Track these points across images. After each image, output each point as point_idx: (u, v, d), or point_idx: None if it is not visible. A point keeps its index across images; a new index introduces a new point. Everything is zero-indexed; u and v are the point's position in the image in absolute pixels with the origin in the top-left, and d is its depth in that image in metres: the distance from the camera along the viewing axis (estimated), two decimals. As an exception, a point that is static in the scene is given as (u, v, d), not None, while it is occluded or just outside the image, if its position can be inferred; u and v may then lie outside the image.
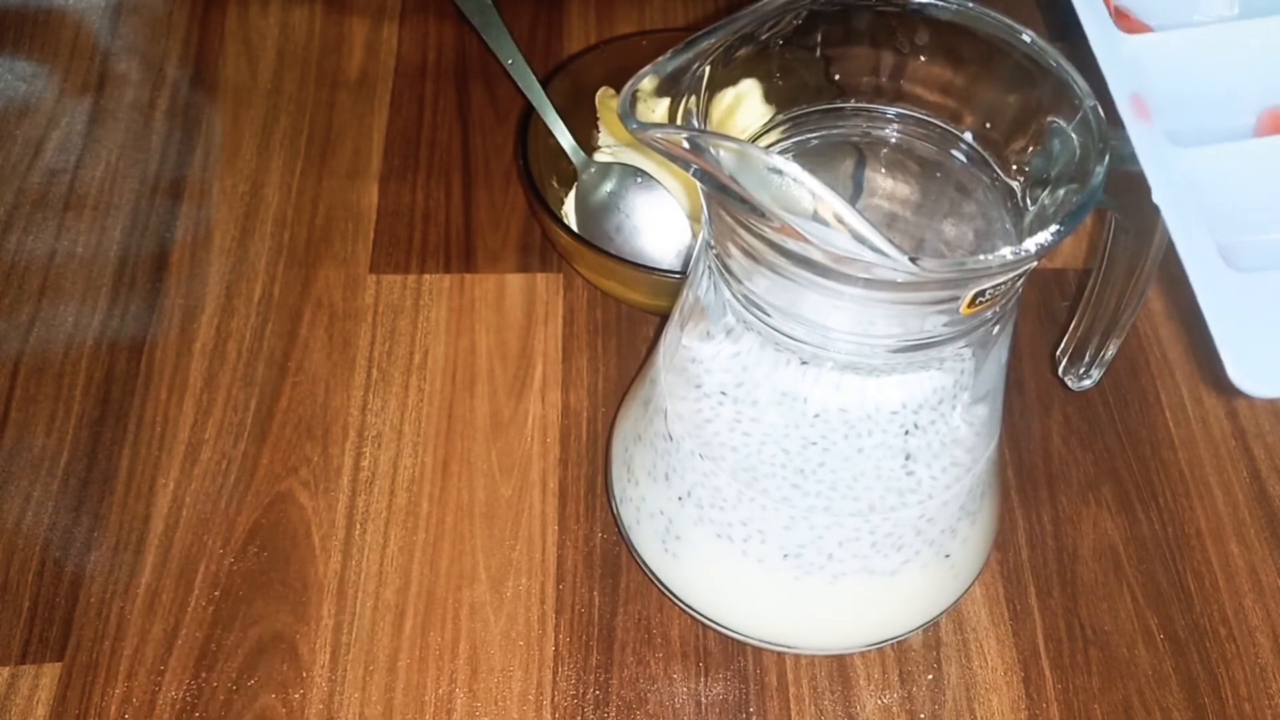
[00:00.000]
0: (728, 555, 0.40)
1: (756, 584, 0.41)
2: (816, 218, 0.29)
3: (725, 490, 0.39)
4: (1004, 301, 0.34)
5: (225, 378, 0.51)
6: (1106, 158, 0.31)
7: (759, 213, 0.30)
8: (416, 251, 0.55)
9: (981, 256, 0.30)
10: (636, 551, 0.44)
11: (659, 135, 0.31)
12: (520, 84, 0.54)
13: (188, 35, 0.64)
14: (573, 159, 0.54)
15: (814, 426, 0.37)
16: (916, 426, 0.37)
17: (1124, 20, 0.30)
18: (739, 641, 0.44)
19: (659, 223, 0.52)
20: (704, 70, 0.33)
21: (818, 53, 0.36)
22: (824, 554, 0.39)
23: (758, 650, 0.44)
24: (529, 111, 0.53)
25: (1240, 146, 0.28)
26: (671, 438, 0.40)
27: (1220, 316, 0.24)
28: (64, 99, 0.60)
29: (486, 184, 0.58)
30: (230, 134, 0.59)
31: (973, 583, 0.44)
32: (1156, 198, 0.27)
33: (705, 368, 0.38)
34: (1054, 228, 0.30)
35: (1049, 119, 0.34)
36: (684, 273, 0.41)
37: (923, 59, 0.36)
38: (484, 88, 0.62)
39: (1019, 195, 0.35)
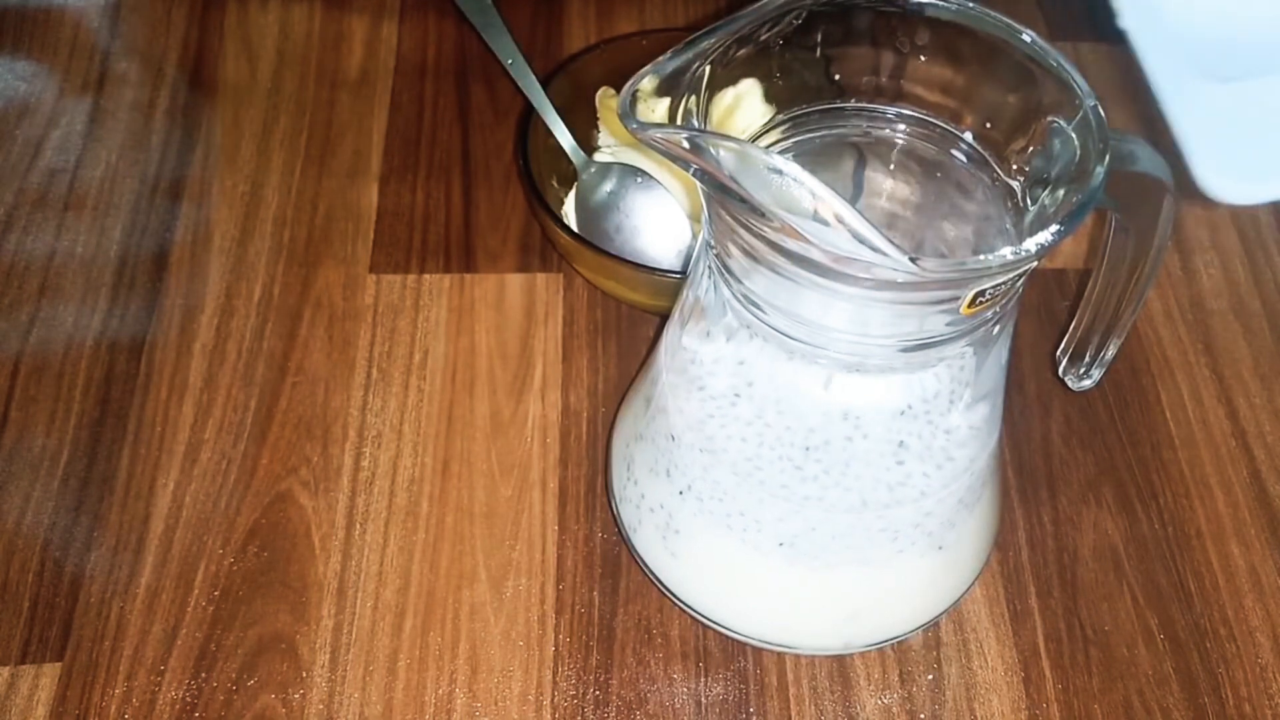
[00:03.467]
0: (725, 544, 0.40)
1: (752, 573, 0.41)
2: (816, 218, 0.29)
3: (724, 483, 0.39)
4: (1004, 301, 0.34)
5: (225, 378, 0.51)
6: (1106, 158, 0.31)
7: (759, 213, 0.30)
8: (416, 251, 0.55)
9: (981, 256, 0.30)
10: (636, 551, 0.44)
11: (659, 135, 0.31)
12: (520, 84, 0.54)
13: (187, 35, 0.64)
14: (573, 159, 0.54)
15: (814, 426, 0.37)
16: (916, 426, 0.37)
17: None
18: (739, 642, 0.44)
19: (659, 223, 0.52)
20: (704, 70, 0.33)
21: (818, 53, 0.36)
22: (818, 545, 0.39)
23: (758, 651, 0.44)
24: (529, 111, 0.53)
25: None
26: (673, 437, 0.40)
27: (1187, 124, 0.24)
28: (64, 99, 0.61)
29: (486, 184, 0.58)
30: (230, 134, 0.59)
31: (973, 582, 0.44)
32: (1122, 23, 0.26)
33: (705, 368, 0.38)
34: (1054, 228, 0.30)
35: (1049, 119, 0.34)
36: (684, 273, 0.41)
37: (923, 59, 0.36)
38: (484, 87, 0.62)
39: (1019, 195, 0.35)
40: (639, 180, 0.52)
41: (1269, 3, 0.27)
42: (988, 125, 0.36)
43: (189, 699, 0.42)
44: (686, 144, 0.31)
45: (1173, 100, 0.25)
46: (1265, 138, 0.24)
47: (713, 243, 0.35)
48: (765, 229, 0.31)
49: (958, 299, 0.32)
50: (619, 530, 0.45)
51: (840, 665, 0.44)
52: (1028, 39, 0.34)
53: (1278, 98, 0.25)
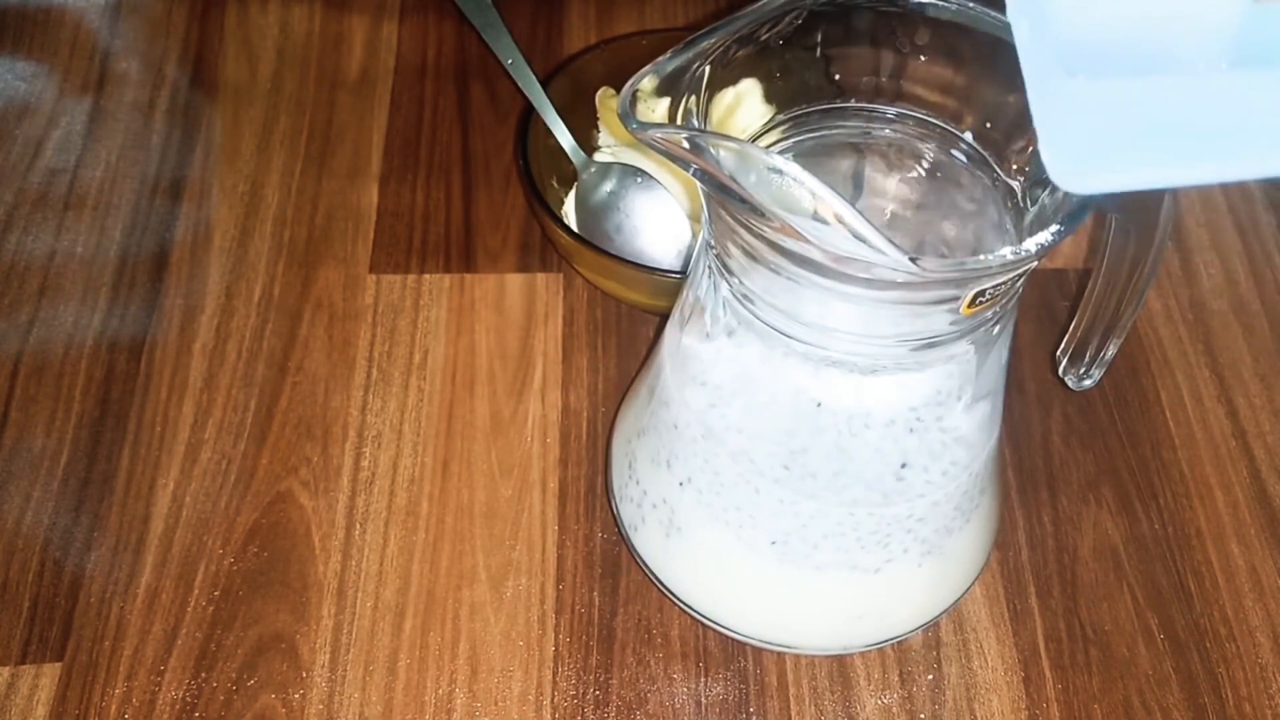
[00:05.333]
0: (723, 542, 0.40)
1: (750, 573, 0.41)
2: (816, 217, 0.29)
3: (723, 474, 0.39)
4: (1004, 301, 0.34)
5: (225, 378, 0.51)
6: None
7: (759, 213, 0.30)
8: (416, 251, 0.55)
9: (981, 256, 0.30)
10: (636, 551, 0.44)
11: (659, 135, 0.31)
12: (520, 84, 0.54)
13: (187, 35, 0.64)
14: (573, 159, 0.54)
15: (813, 425, 0.37)
16: (918, 424, 0.37)
17: None
18: (739, 641, 0.44)
19: (659, 223, 0.52)
20: (704, 70, 0.33)
21: (818, 53, 0.36)
22: (809, 545, 0.39)
23: (758, 650, 0.44)
24: (529, 111, 0.53)
25: None
26: (675, 425, 0.40)
27: (1047, 117, 0.25)
28: (64, 99, 0.61)
29: (486, 184, 0.58)
30: (230, 134, 0.59)
31: (972, 583, 0.44)
32: (1010, 13, 0.27)
33: (706, 367, 0.38)
34: (1054, 228, 0.30)
35: (1049, 119, 0.34)
36: (684, 273, 0.41)
37: (923, 59, 0.36)
38: (484, 88, 0.62)
39: (1019, 195, 0.35)
40: (639, 180, 0.52)
41: (1149, 5, 0.28)
42: (988, 125, 0.36)
43: (189, 699, 0.42)
44: (686, 144, 0.31)
45: (1035, 85, 0.26)
46: (1116, 133, 0.25)
47: (713, 242, 0.35)
48: (765, 229, 0.31)
49: (958, 299, 0.32)
50: (619, 530, 0.45)
51: (840, 665, 0.44)
52: (1028, 39, 0.34)
53: (1138, 99, 0.26)
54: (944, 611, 0.44)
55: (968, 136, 0.36)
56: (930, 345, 0.34)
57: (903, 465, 0.37)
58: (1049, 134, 0.25)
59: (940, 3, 0.35)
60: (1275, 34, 0.27)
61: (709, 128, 0.34)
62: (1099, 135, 0.26)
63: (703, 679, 0.44)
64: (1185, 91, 0.26)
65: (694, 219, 0.52)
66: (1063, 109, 0.26)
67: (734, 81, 0.35)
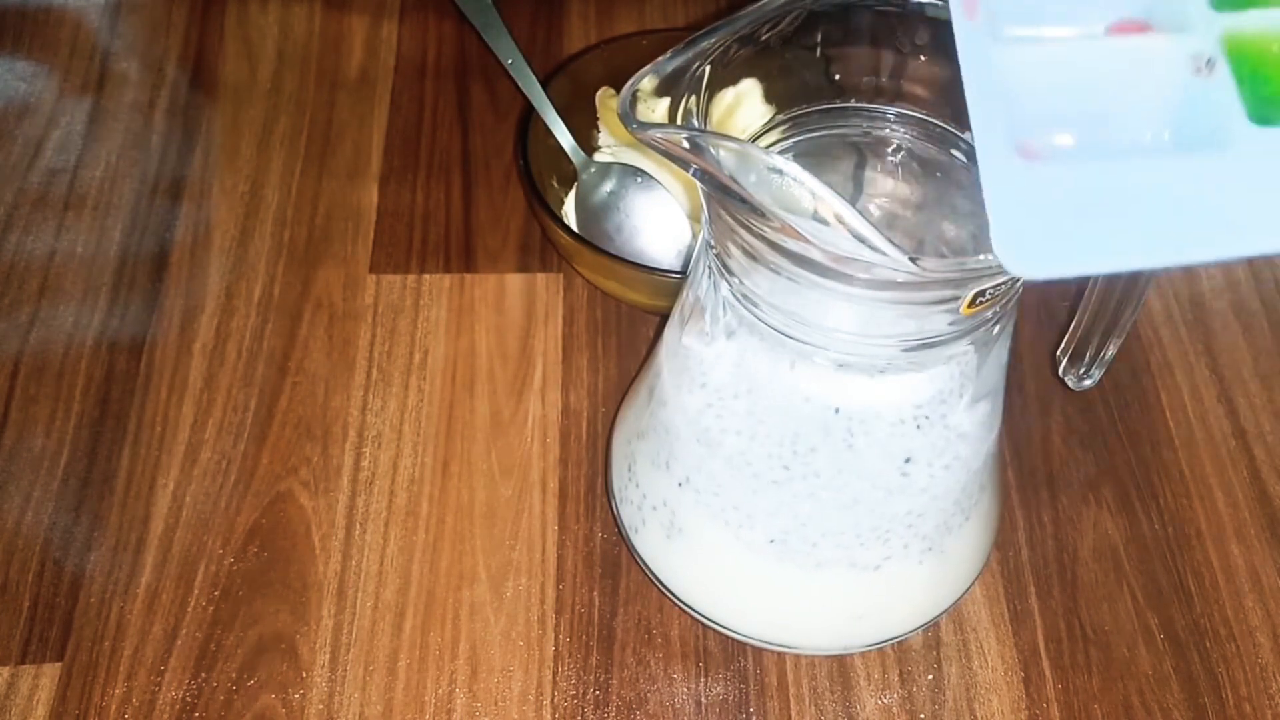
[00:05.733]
0: (722, 541, 0.40)
1: (750, 573, 0.41)
2: (816, 217, 0.29)
3: (719, 476, 0.39)
4: (1004, 301, 0.34)
5: (225, 378, 0.51)
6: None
7: (759, 213, 0.30)
8: (416, 251, 0.55)
9: (981, 256, 0.30)
10: (636, 551, 0.44)
11: (659, 135, 0.31)
12: (520, 84, 0.54)
13: (188, 35, 0.64)
14: (573, 159, 0.54)
15: (813, 425, 0.37)
16: (917, 426, 0.37)
17: None
18: (739, 641, 0.44)
19: (659, 223, 0.52)
20: (704, 70, 0.33)
21: (818, 53, 0.36)
22: (808, 543, 0.39)
23: (758, 650, 0.44)
24: (529, 111, 0.53)
25: (1058, 48, 0.29)
26: (672, 429, 0.40)
27: (999, 200, 0.26)
28: (64, 99, 0.61)
29: (486, 184, 0.58)
30: (230, 134, 0.59)
31: (972, 583, 0.44)
32: (967, 88, 0.27)
33: (705, 367, 0.38)
34: (1054, 228, 0.30)
35: (1049, 119, 0.34)
36: (684, 273, 0.41)
37: (923, 59, 0.36)
38: (484, 87, 0.62)
39: (1019, 195, 0.35)
40: (639, 180, 0.52)
41: (1098, 77, 0.28)
42: (988, 125, 0.36)
43: (189, 699, 0.42)
44: (686, 144, 0.31)
45: (988, 171, 0.26)
46: (1065, 220, 0.26)
47: (713, 243, 0.35)
48: (765, 229, 0.31)
49: (958, 299, 0.32)
50: (619, 530, 0.45)
51: (840, 665, 0.44)
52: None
53: (1087, 183, 0.26)
54: (944, 611, 0.44)
55: (968, 136, 0.36)
56: (930, 345, 0.34)
57: (907, 460, 0.37)
58: (1000, 220, 0.26)
59: (940, 3, 0.35)
60: (1214, 108, 0.27)
61: (709, 128, 0.34)
62: (1049, 223, 0.26)
63: (703, 679, 0.44)
64: (1134, 176, 0.26)
65: (694, 219, 0.52)
66: (1013, 193, 0.26)
67: (734, 81, 0.35)
